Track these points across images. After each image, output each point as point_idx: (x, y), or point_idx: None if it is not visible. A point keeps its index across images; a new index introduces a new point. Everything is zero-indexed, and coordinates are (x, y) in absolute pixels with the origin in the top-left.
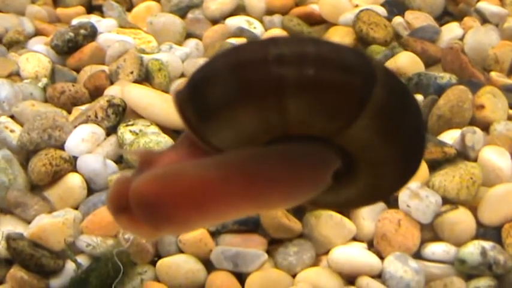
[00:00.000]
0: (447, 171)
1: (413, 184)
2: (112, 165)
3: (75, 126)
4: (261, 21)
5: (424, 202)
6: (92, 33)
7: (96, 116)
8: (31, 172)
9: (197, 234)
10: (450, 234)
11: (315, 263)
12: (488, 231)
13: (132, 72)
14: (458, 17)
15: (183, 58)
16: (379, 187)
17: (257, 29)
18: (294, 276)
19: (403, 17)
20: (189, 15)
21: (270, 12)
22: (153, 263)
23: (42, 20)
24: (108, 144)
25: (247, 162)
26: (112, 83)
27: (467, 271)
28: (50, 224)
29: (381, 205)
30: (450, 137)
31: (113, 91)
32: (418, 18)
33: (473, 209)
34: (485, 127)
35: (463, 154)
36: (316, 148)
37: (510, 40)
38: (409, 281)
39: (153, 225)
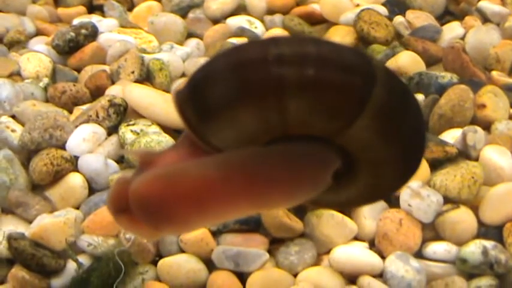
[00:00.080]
0: (448, 170)
1: (415, 183)
2: (113, 164)
3: (76, 126)
4: (262, 21)
5: (425, 201)
6: (93, 33)
7: (97, 116)
8: (32, 172)
9: (198, 234)
10: (451, 233)
11: (316, 262)
12: (490, 231)
13: (133, 72)
14: (460, 17)
15: (184, 58)
16: (379, 187)
17: (258, 28)
18: (295, 275)
19: (404, 16)
20: (190, 14)
21: (270, 11)
22: (155, 263)
23: (43, 19)
24: (109, 144)
25: (248, 162)
26: (113, 82)
27: (468, 270)
28: (51, 223)
29: (382, 204)
30: (451, 136)
31: (114, 91)
32: (419, 18)
33: (475, 208)
34: (487, 126)
35: (465, 153)
36: (316, 148)
37: (511, 39)
38: (410, 280)
39: (153, 226)
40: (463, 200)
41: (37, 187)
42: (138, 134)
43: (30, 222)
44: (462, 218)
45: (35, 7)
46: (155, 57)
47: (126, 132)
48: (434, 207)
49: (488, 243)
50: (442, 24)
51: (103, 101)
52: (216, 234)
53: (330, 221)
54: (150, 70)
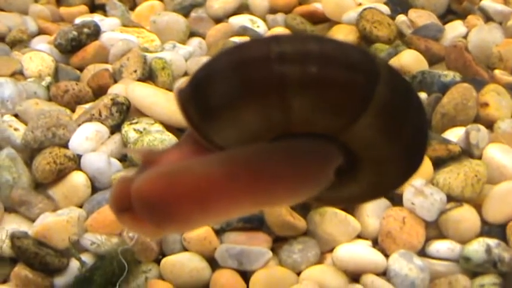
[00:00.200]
0: (452, 168)
1: (418, 182)
2: (116, 163)
3: (79, 125)
4: (264, 20)
5: (428, 200)
6: (96, 32)
7: (100, 115)
8: (35, 170)
9: (201, 232)
10: (455, 231)
11: (320, 260)
12: (493, 229)
13: (135, 71)
14: (462, 15)
15: (187, 57)
16: (381, 184)
17: (260, 27)
18: (298, 274)
19: (407, 15)
20: (193, 14)
21: (273, 10)
22: (158, 261)
23: (46, 19)
24: (112, 143)
25: (252, 159)
26: (115, 81)
27: (472, 269)
28: (54, 222)
29: (385, 203)
30: (454, 134)
31: (116, 89)
32: (421, 17)
33: (478, 207)
34: (490, 125)
35: (468, 152)
36: (318, 145)
37: None
38: (413, 278)
39: (156, 224)
40: (466, 198)
41: (40, 186)
42: (141, 132)
43: (33, 220)
44: (465, 217)
45: (37, 6)
46: (157, 56)
47: (129, 130)
48: (437, 205)
49: (492, 242)
50: (445, 23)
51: (106, 100)
52: (219, 232)
53: (333, 219)
54: (152, 69)
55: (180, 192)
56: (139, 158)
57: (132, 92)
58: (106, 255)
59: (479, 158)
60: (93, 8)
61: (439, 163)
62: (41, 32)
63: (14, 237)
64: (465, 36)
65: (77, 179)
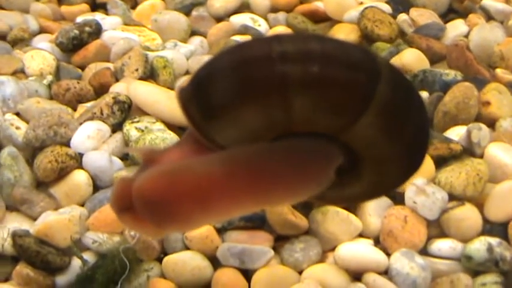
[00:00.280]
0: (453, 167)
1: (420, 180)
2: (118, 162)
3: (81, 123)
4: (266, 19)
5: (430, 198)
6: (97, 31)
7: (101, 113)
8: (37, 169)
9: (203, 231)
10: (456, 230)
11: (322, 259)
12: (495, 228)
13: (137, 70)
14: (463, 14)
15: (188, 55)
16: (382, 183)
17: (262, 26)
18: (300, 272)
19: (408, 14)
20: (194, 12)
21: (274, 9)
22: (159, 260)
23: (47, 17)
24: (114, 141)
25: (253, 158)
26: (117, 80)
27: (473, 267)
28: (56, 220)
29: (387, 201)
30: (456, 133)
31: (118, 88)
32: (422, 16)
33: (480, 206)
34: (491, 124)
35: (469, 150)
36: (319, 144)
37: None
38: (415, 277)
39: (157, 223)
40: (468, 197)
41: (41, 184)
42: (142, 131)
43: (34, 219)
44: (467, 215)
45: (38, 5)
46: (159, 55)
47: (131, 129)
48: (439, 204)
49: (493, 240)
50: (446, 22)
51: (107, 98)
52: (221, 231)
53: (335, 218)
54: (154, 68)
55: (181, 192)
56: (140, 157)
57: (134, 91)
58: (108, 254)
59: (481, 156)
60: (95, 7)
61: (440, 162)
62: (42, 30)
63: (15, 236)
64: (466, 35)
65: (79, 178)
